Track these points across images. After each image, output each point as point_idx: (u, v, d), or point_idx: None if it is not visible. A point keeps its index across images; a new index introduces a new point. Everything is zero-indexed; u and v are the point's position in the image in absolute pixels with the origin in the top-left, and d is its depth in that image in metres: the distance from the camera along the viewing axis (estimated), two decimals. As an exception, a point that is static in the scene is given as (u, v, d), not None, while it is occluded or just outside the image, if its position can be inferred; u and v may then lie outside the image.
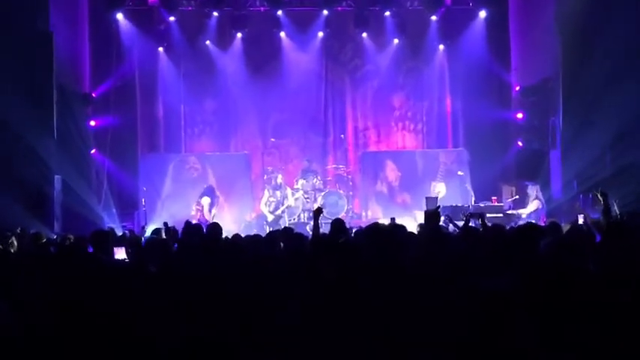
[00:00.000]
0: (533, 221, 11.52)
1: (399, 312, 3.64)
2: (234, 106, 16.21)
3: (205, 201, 13.83)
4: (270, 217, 13.79)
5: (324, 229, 9.07)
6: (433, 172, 15.22)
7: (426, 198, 13.48)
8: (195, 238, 7.00)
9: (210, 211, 13.83)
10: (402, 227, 6.36)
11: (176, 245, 6.35)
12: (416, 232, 7.67)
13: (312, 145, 16.43)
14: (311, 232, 7.76)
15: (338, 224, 7.11)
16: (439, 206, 6.07)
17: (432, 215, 5.50)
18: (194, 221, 12.58)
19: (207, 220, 12.92)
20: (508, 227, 8.02)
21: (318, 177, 15.28)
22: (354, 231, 8.71)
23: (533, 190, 12.93)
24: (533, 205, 12.72)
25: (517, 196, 13.91)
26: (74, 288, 3.91)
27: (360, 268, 4.03)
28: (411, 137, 16.60)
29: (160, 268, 4.77)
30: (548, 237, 5.67)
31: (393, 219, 11.07)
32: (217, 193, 14.72)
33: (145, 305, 3.60)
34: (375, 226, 5.02)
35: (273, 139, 16.05)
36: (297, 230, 7.98)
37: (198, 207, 13.81)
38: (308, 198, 14.95)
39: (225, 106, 16.20)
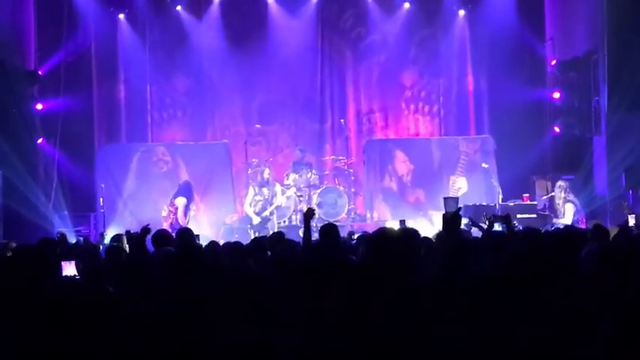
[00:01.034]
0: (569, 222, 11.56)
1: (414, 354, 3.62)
2: (211, 86, 16.19)
3: (180, 202, 13.65)
4: (256, 220, 13.76)
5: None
6: (452, 164, 15.22)
7: (445, 199, 13.48)
8: (163, 248, 6.96)
9: (185, 214, 13.70)
10: (415, 233, 6.32)
11: (133, 257, 6.36)
12: (432, 238, 7.71)
13: (305, 133, 16.43)
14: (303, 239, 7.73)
15: (329, 231, 7.10)
16: (460, 208, 6.03)
17: (451, 220, 5.46)
18: (165, 225, 12.60)
19: (180, 225, 12.84)
20: (542, 231, 8.04)
21: (313, 171, 15.27)
22: (356, 237, 8.68)
23: (559, 191, 12.82)
24: (569, 212, 12.61)
25: (554, 193, 13.86)
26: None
27: (365, 291, 3.97)
28: (425, 122, 16.61)
29: (120, 289, 4.70)
30: (591, 244, 5.67)
31: (402, 222, 11.08)
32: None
33: (97, 342, 3.52)
34: (381, 234, 4.96)
35: (258, 126, 16.04)
36: (288, 235, 7.98)
37: (171, 208, 13.66)
38: (301, 196, 14.92)
39: (200, 85, 16.19)
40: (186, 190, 13.98)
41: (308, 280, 4.71)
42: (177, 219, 13.34)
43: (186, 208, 13.66)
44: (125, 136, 15.93)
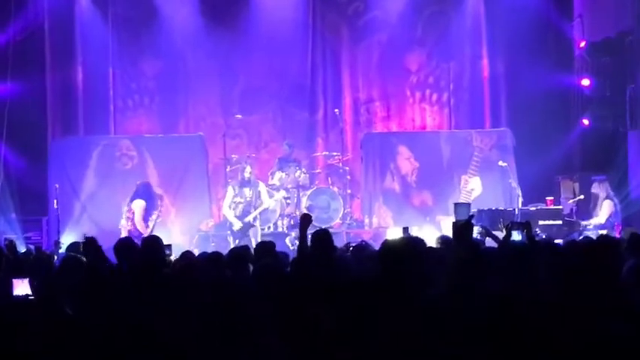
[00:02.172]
0: (606, 232, 11.58)
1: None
2: (184, 70, 16.21)
3: (138, 205, 13.44)
4: (237, 225, 13.71)
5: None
6: (464, 162, 15.24)
7: (455, 205, 13.48)
8: (127, 260, 6.97)
9: (145, 219, 13.51)
10: (420, 243, 6.35)
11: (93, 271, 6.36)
12: (437, 244, 7.78)
13: (293, 124, 16.45)
14: (294, 248, 7.72)
15: (322, 238, 7.11)
16: (472, 215, 6.04)
17: (461, 230, 5.47)
18: (123, 233, 12.51)
19: (140, 233, 12.72)
20: (567, 241, 8.05)
21: (303, 169, 15.28)
22: (351, 247, 8.71)
23: (601, 188, 12.88)
24: (605, 209, 12.66)
25: (582, 196, 13.89)
26: None
27: (364, 314, 3.98)
28: (433, 113, 16.66)
29: (79, 310, 4.70)
30: (628, 258, 5.70)
31: (406, 229, 11.02)
32: (159, 192, 14.67)
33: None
34: (384, 250, 5.00)
35: (239, 116, 16.04)
36: (267, 243, 7.95)
37: (128, 214, 13.53)
38: (288, 198, 14.93)
39: (171, 69, 16.20)
40: (145, 192, 13.79)
41: (298, 299, 4.72)
42: (134, 225, 13.12)
43: (146, 213, 13.40)
44: (83, 127, 15.90)
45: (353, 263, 6.89)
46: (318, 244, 6.94)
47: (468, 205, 13.37)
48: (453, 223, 6.68)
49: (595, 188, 12.96)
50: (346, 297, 4.23)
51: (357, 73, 16.61)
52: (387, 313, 4.08)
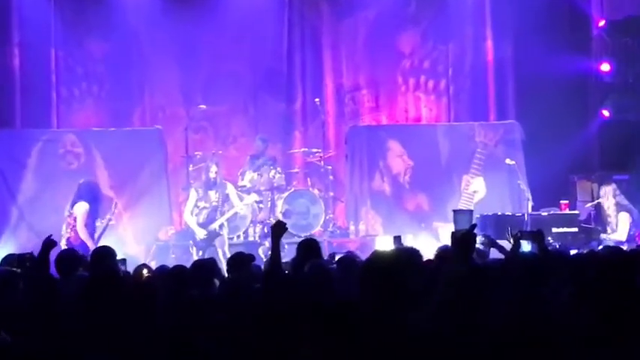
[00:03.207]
0: (625, 246, 11.51)
1: None
2: (138, 52, 16.18)
3: (80, 209, 12.98)
4: (201, 234, 13.63)
5: (289, 254, 9.05)
6: (465, 159, 15.27)
7: (455, 212, 13.47)
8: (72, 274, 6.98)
9: (89, 225, 13.12)
10: (414, 254, 6.32)
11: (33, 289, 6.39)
12: (436, 255, 7.66)
13: (267, 116, 16.47)
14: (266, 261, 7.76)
15: (308, 249, 7.08)
16: (474, 225, 6.04)
17: (463, 241, 5.45)
18: (62, 243, 12.33)
19: (82, 242, 12.47)
20: (585, 252, 8.04)
21: (278, 168, 15.28)
22: (336, 258, 8.69)
23: (607, 196, 12.81)
24: (623, 223, 12.58)
25: (601, 199, 13.90)
26: None
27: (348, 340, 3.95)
28: (429, 102, 16.70)
29: (17, 336, 4.69)
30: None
31: (398, 238, 10.96)
32: (110, 194, 14.57)
33: None
34: (372, 263, 4.98)
35: (203, 106, 15.94)
36: (244, 255, 8.01)
37: (69, 220, 13.18)
38: (261, 202, 14.92)
39: (124, 51, 16.16)
40: (88, 193, 12.97)
41: (274, 323, 4.75)
42: (76, 233, 12.79)
43: (90, 218, 12.80)
44: (20, 119, 15.86)
45: (339, 279, 6.89)
46: (307, 254, 7.13)
47: (470, 212, 13.35)
48: (452, 233, 6.66)
49: (602, 195, 12.92)
50: (328, 323, 4.22)
51: (341, 56, 16.63)
52: (367, 342, 4.08)
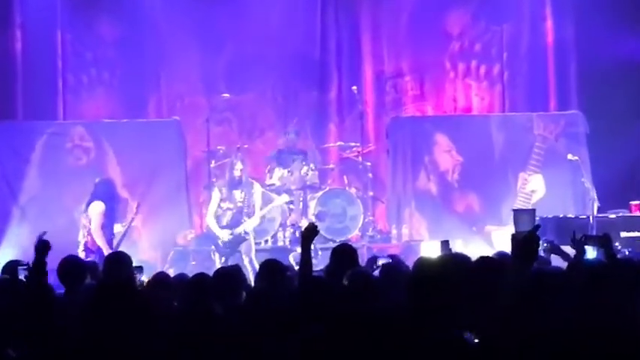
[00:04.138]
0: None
1: None
2: (154, 35, 16.20)
3: (95, 209, 12.88)
4: (225, 238, 13.66)
5: (322, 261, 9.08)
6: (522, 154, 15.27)
7: (515, 211, 13.30)
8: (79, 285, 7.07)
9: (107, 227, 13.15)
10: (465, 261, 6.35)
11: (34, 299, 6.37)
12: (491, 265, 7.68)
13: (298, 106, 16.53)
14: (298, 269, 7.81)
15: (344, 256, 7.13)
16: (538, 226, 6.05)
17: (525, 245, 5.47)
18: (79, 250, 12.39)
19: (98, 248, 12.51)
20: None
21: (311, 164, 15.29)
22: (379, 264, 8.69)
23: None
24: None
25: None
26: None
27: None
28: (481, 90, 16.70)
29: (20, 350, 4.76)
30: None
31: (446, 243, 10.96)
32: (124, 194, 14.65)
33: None
34: (417, 270, 5.03)
35: (226, 95, 16.03)
36: (274, 261, 8.00)
37: (85, 222, 13.18)
38: (292, 203, 14.96)
39: (138, 33, 16.21)
40: (105, 193, 13.15)
41: (308, 337, 4.79)
42: (91, 237, 12.65)
43: (107, 219, 12.89)
44: (23, 110, 15.96)
45: (382, 288, 6.88)
46: (341, 260, 7.17)
47: (532, 211, 13.13)
48: (513, 235, 6.68)
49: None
50: (374, 335, 4.28)
51: (381, 38, 16.65)
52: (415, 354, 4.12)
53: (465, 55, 16.68)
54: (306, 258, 6.85)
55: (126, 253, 8.46)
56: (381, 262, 8.88)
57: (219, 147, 15.46)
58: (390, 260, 8.77)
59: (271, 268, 7.57)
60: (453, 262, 6.31)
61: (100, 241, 12.47)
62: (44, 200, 14.74)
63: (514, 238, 6.14)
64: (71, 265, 7.59)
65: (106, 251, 11.95)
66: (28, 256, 12.45)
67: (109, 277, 7.46)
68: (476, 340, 4.86)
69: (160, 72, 16.48)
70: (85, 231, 12.61)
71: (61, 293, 7.26)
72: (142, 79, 16.40)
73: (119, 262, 7.98)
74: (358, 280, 6.74)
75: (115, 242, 12.83)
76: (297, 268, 12.62)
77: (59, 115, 16.11)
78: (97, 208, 12.70)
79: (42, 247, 6.66)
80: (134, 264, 8.34)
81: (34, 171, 14.94)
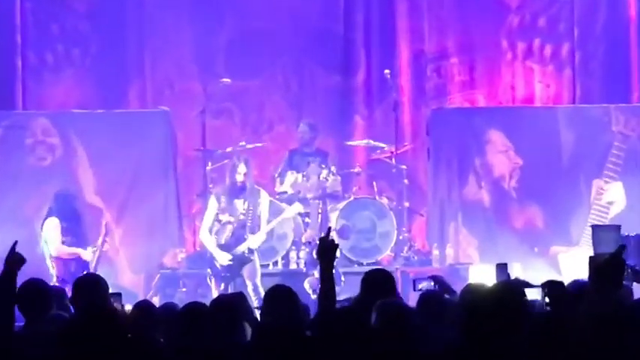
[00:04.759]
0: None
1: None
2: (136, 3, 16.34)
3: (49, 226, 13.43)
4: (223, 260, 13.70)
5: (347, 289, 8.96)
6: (597, 156, 15.24)
7: (594, 228, 13.34)
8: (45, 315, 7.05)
9: (70, 247, 13.42)
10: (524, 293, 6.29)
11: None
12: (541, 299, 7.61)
13: (316, 94, 16.64)
14: (316, 298, 8.12)
15: (378, 284, 7.16)
16: (624, 246, 6.02)
17: (608, 270, 5.47)
18: (53, 281, 12.38)
19: (70, 272, 12.55)
20: None
21: (332, 167, 15.29)
22: (421, 287, 8.80)
23: None
24: None
25: None
26: None
27: None
28: (545, 76, 16.69)
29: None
30: None
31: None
32: (97, 203, 14.77)
33: None
34: (466, 301, 5.27)
35: (226, 80, 16.05)
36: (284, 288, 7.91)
37: (46, 250, 13.45)
38: (308, 215, 14.98)
39: (116, 1, 16.29)
40: (61, 205, 13.65)
41: None
42: (59, 262, 13.11)
43: (72, 235, 13.35)
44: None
45: (423, 321, 6.93)
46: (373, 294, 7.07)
47: (617, 228, 13.19)
48: (592, 258, 6.68)
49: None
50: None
51: (422, 10, 16.71)
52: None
53: (526, 31, 16.69)
54: (326, 284, 6.90)
55: (100, 276, 8.42)
56: (420, 286, 9.02)
57: (218, 150, 15.54)
58: (432, 284, 8.94)
59: (282, 296, 7.53)
60: (511, 291, 6.22)
61: (68, 252, 12.92)
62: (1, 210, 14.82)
63: (593, 261, 6.13)
64: (34, 292, 7.54)
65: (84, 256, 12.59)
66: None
67: (82, 304, 7.45)
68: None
69: (143, 51, 16.55)
70: (50, 259, 12.73)
71: (20, 326, 7.23)
72: (122, 58, 16.46)
73: (92, 286, 7.90)
74: (391, 312, 6.75)
75: (90, 268, 13.07)
76: (313, 296, 12.76)
77: (17, 103, 16.24)
78: (50, 224, 13.09)
79: (14, 261, 6.72)
80: (110, 290, 8.33)
81: (-13, 172, 15.06)
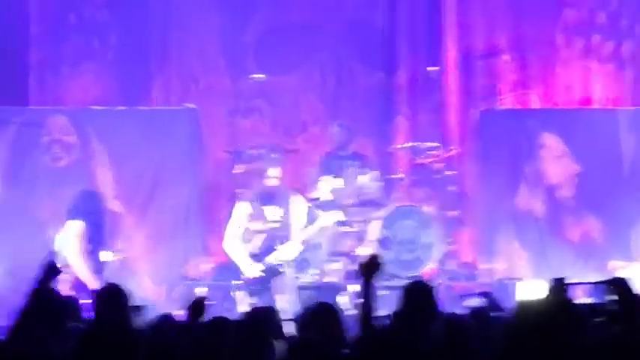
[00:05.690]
0: None
1: None
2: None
3: (71, 232, 13.15)
4: (252, 272, 13.65)
5: (388, 305, 9.04)
6: (662, 163, 15.26)
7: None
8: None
9: (93, 254, 13.25)
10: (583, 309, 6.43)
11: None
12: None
13: (354, 93, 16.60)
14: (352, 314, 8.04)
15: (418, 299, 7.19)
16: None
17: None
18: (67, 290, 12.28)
19: (82, 284, 12.52)
20: None
21: (372, 172, 15.15)
22: (465, 305, 9.04)
23: None
24: None
25: None
26: None
27: None
28: (604, 75, 16.58)
29: None
30: None
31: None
32: (116, 207, 14.76)
33: None
34: (518, 319, 5.26)
35: (257, 76, 16.03)
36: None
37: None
38: (345, 224, 14.78)
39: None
40: (83, 207, 13.36)
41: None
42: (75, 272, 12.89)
43: (93, 242, 13.15)
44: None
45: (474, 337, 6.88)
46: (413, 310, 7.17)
47: None
48: None
49: None
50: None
51: (471, 4, 16.68)
52: None
53: (584, 27, 16.60)
54: (366, 301, 7.01)
55: (122, 287, 8.45)
56: (468, 303, 9.32)
57: (248, 150, 15.44)
58: (483, 299, 9.15)
59: (317, 312, 7.57)
60: (567, 308, 6.43)
61: (82, 273, 12.63)
62: (10, 213, 14.87)
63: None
64: (51, 303, 7.60)
65: (93, 285, 12.08)
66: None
67: (99, 320, 7.63)
68: None
69: (167, 44, 16.56)
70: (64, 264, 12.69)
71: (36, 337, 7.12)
72: (145, 51, 16.47)
73: (114, 297, 8.03)
74: (452, 328, 6.79)
75: (104, 276, 12.90)
76: (350, 312, 12.52)
77: (32, 98, 16.28)
78: (74, 228, 12.85)
79: (50, 271, 7.09)
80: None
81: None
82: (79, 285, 12.43)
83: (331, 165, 15.21)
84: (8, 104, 15.65)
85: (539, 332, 5.08)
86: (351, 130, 15.40)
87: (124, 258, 14.17)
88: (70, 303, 8.41)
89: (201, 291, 7.77)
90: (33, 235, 14.30)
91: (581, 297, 10.65)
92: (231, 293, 13.76)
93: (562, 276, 12.41)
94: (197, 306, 7.27)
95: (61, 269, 6.97)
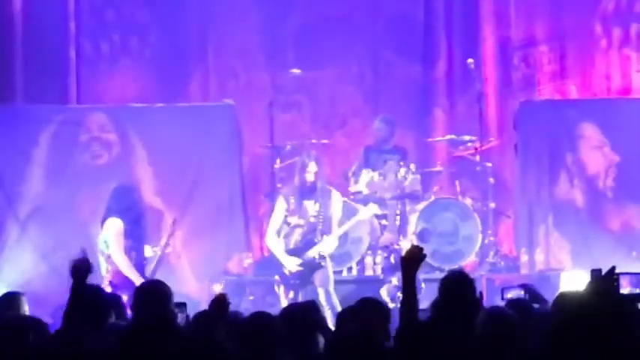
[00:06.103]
0: None
1: None
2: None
3: (111, 229, 12.86)
4: (292, 265, 13.67)
5: (426, 296, 9.26)
6: None
7: None
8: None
9: (132, 250, 13.29)
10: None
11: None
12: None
13: (393, 86, 16.66)
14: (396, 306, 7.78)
15: (457, 289, 7.16)
16: None
17: None
18: (104, 282, 12.42)
19: (129, 282, 12.54)
20: None
21: (411, 165, 15.23)
22: (510, 296, 8.78)
23: None
24: None
25: None
26: None
27: None
28: None
29: None
30: None
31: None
32: (157, 204, 14.86)
33: None
34: (559, 309, 5.29)
35: (296, 71, 16.07)
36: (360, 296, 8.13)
37: (104, 248, 13.32)
38: (385, 217, 14.99)
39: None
40: (121, 202, 13.12)
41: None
42: (115, 269, 12.70)
43: (133, 238, 13.02)
44: (23, 90, 16.08)
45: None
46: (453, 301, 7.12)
47: None
48: None
49: None
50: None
51: None
52: None
53: (623, 16, 16.56)
54: (408, 294, 6.89)
55: (164, 283, 8.35)
56: (509, 294, 9.07)
57: (287, 144, 15.64)
58: (522, 293, 8.91)
59: (364, 305, 7.64)
60: (610, 298, 6.10)
61: (126, 268, 12.50)
62: (51, 211, 14.94)
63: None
64: (94, 299, 7.68)
65: (137, 281, 12.00)
66: (31, 284, 12.56)
67: (140, 316, 7.52)
68: None
69: (206, 40, 16.66)
70: (105, 259, 12.67)
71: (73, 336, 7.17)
72: (183, 48, 16.59)
73: (156, 294, 7.91)
74: (497, 322, 6.81)
75: (147, 271, 12.91)
76: (392, 305, 12.72)
77: (71, 97, 16.32)
78: (113, 227, 12.74)
79: (80, 270, 7.05)
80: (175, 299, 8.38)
81: (38, 172, 15.11)
82: (122, 282, 12.42)
83: (372, 159, 15.34)
84: (47, 103, 15.74)
85: (585, 325, 5.00)
86: (394, 124, 15.54)
87: (165, 254, 13.78)
88: (114, 301, 8.44)
89: (219, 287, 7.63)
90: (75, 232, 14.27)
91: (626, 287, 10.69)
92: (275, 287, 13.75)
93: (609, 266, 12.62)
94: (219, 302, 7.25)
95: (93, 267, 6.98)
